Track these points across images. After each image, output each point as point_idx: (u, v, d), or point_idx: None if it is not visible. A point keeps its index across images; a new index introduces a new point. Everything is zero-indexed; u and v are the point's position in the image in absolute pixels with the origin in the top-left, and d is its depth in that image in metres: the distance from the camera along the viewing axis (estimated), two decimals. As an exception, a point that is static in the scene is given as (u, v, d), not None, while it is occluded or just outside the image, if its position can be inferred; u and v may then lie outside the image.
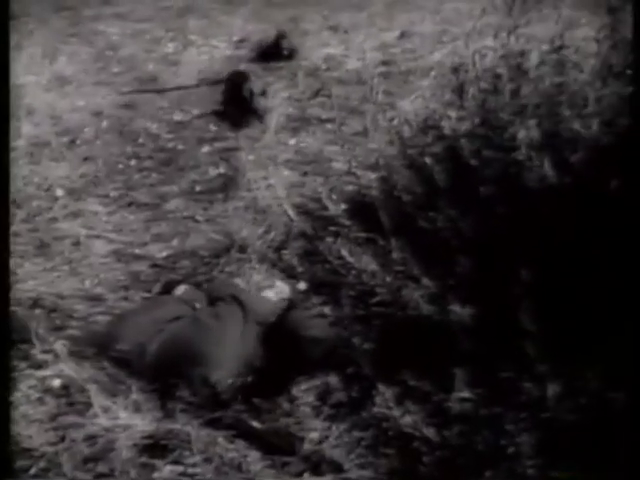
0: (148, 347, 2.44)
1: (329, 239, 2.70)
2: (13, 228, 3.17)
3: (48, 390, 2.42)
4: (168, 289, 2.80)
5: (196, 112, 4.49)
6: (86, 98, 4.71)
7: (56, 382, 2.43)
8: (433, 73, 3.51)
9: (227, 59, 5.28)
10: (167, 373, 2.36)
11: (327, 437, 2.19)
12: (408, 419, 2.10)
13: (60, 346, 2.53)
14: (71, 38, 5.80)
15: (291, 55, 5.09)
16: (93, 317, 2.76)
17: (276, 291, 2.67)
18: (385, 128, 3.05)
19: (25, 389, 2.41)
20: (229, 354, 2.38)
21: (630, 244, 2.01)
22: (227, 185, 3.62)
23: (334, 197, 2.88)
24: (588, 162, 2.27)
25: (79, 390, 2.38)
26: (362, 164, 3.14)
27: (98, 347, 2.52)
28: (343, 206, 2.83)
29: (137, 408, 2.29)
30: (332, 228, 2.75)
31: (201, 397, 2.30)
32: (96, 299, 2.86)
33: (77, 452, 2.19)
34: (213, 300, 2.64)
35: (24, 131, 4.10)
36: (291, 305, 2.63)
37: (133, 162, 3.94)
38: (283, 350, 2.43)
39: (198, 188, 3.66)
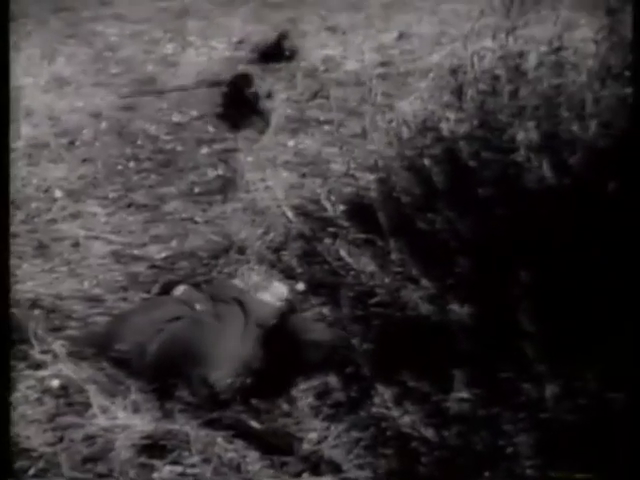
0: (147, 347, 2.44)
1: (328, 240, 2.70)
2: (12, 229, 3.17)
3: (47, 390, 2.41)
4: (167, 290, 2.80)
5: (195, 114, 4.49)
6: (85, 99, 4.71)
7: (55, 382, 2.43)
8: (432, 74, 3.51)
9: (226, 60, 5.29)
10: (166, 373, 2.36)
11: (326, 437, 2.19)
12: (407, 419, 2.11)
13: (59, 346, 2.53)
14: (69, 39, 5.80)
15: (292, 56, 5.09)
16: (92, 318, 2.76)
17: (274, 292, 2.68)
18: (384, 129, 3.05)
19: (24, 389, 2.41)
20: (229, 355, 2.39)
21: (629, 245, 2.01)
22: (226, 186, 3.62)
23: (333, 198, 2.88)
24: (587, 164, 2.27)
25: (78, 390, 2.38)
26: (361, 165, 3.14)
27: (97, 347, 2.52)
28: (342, 207, 2.83)
29: (136, 408, 2.29)
30: (331, 229, 2.75)
31: (200, 397, 2.30)
32: (95, 300, 2.86)
33: (76, 452, 2.19)
34: (214, 301, 2.64)
35: (23, 132, 4.10)
36: (291, 308, 2.63)
37: (132, 163, 3.94)
38: (283, 353, 2.43)
39: (197, 189, 3.66)
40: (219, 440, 2.20)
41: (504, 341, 2.07)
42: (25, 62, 4.94)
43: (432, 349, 2.18)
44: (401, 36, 5.33)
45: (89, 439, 2.23)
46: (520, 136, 2.35)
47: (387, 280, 2.40)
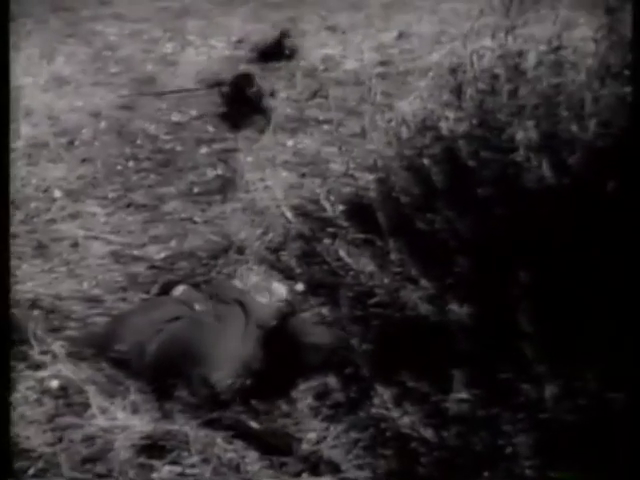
0: (147, 347, 2.44)
1: (327, 240, 2.70)
2: (11, 229, 3.17)
3: (46, 391, 2.42)
4: (166, 290, 2.80)
5: (194, 113, 4.49)
6: (84, 99, 4.71)
7: (54, 383, 2.43)
8: (431, 74, 3.51)
9: (225, 59, 5.28)
10: (166, 373, 2.36)
11: (325, 438, 2.19)
12: (406, 420, 2.10)
13: (58, 347, 2.53)
14: (69, 39, 5.80)
15: (292, 55, 5.09)
16: (91, 318, 2.76)
17: (273, 292, 2.68)
18: (383, 129, 3.05)
19: (23, 390, 2.41)
20: (229, 355, 2.39)
21: (628, 245, 2.01)
22: (225, 186, 3.62)
23: (332, 198, 2.87)
24: (586, 163, 2.27)
25: (77, 391, 2.38)
26: (360, 165, 3.14)
27: (97, 348, 2.52)
28: (341, 207, 2.83)
29: (135, 409, 2.30)
30: (330, 229, 2.75)
31: (200, 397, 2.30)
32: (94, 300, 2.86)
33: (75, 453, 2.19)
34: (214, 301, 2.64)
35: (22, 132, 4.10)
36: (292, 310, 2.63)
37: (131, 163, 3.94)
38: (283, 355, 2.43)
39: (196, 189, 3.66)
40: (218, 440, 2.20)
41: (503, 341, 2.07)
42: (25, 62, 4.94)
43: (431, 349, 2.18)
44: (401, 35, 5.32)
45: (88, 439, 2.23)
46: (519, 135, 2.35)
47: (386, 280, 2.40)
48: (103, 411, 2.29)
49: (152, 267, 3.07)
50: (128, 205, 3.55)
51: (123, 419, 2.27)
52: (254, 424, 2.24)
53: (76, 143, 4.16)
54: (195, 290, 2.77)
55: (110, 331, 2.59)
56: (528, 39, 2.76)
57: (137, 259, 3.12)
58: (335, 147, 3.67)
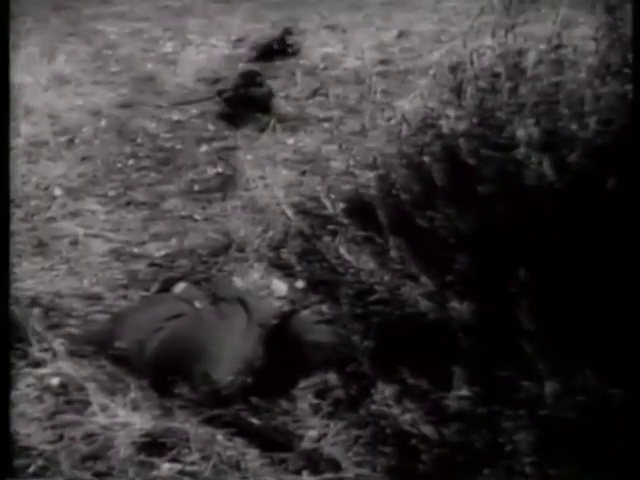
0: (148, 345, 2.44)
1: (327, 238, 2.70)
2: (11, 227, 3.17)
3: (46, 388, 2.42)
4: (167, 287, 2.80)
5: (194, 112, 4.49)
6: (84, 97, 4.71)
7: (54, 380, 2.43)
8: (431, 72, 3.51)
9: (226, 58, 5.29)
10: (167, 370, 2.36)
11: (325, 435, 2.19)
12: (406, 417, 2.11)
13: (58, 345, 2.53)
14: (69, 37, 5.80)
15: (296, 53, 5.08)
16: (91, 316, 2.76)
17: (274, 290, 2.68)
18: (383, 127, 3.05)
19: (24, 387, 2.41)
20: (230, 353, 2.39)
21: (628, 242, 2.01)
22: (225, 184, 3.63)
23: (332, 196, 2.88)
24: (586, 161, 2.27)
25: (77, 388, 2.38)
26: (360, 163, 3.15)
27: (97, 345, 2.52)
28: (341, 205, 2.83)
29: (135, 406, 2.30)
30: (330, 227, 2.75)
31: (200, 394, 2.30)
32: (94, 298, 2.86)
33: (75, 450, 2.18)
34: (216, 299, 2.65)
35: (22, 130, 4.10)
36: (293, 308, 2.63)
37: (131, 161, 3.95)
38: (284, 353, 2.43)
39: (196, 187, 3.66)
40: (219, 438, 2.20)
41: (503, 338, 2.07)
42: (25, 60, 4.94)
43: (432, 346, 2.18)
44: (401, 34, 5.33)
45: (89, 437, 2.23)
46: (520, 133, 2.35)
47: (386, 278, 2.40)
48: (103, 408, 2.29)
49: (152, 265, 3.07)
50: (128, 203, 3.55)
51: (123, 416, 2.27)
52: (255, 421, 2.25)
53: (76, 141, 4.16)
54: (195, 288, 2.77)
55: (110, 328, 2.59)
56: (528, 38, 2.76)
57: (137, 257, 3.12)
58: (335, 145, 3.67)
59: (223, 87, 4.56)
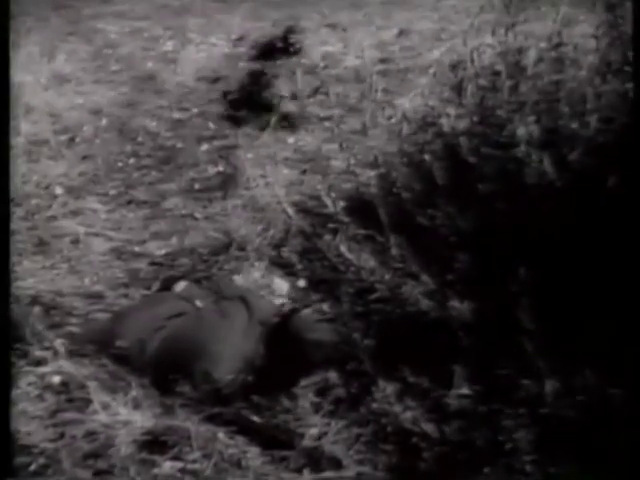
0: (149, 343, 2.45)
1: (328, 236, 2.70)
2: (12, 226, 3.17)
3: (48, 387, 2.42)
4: (167, 286, 2.81)
5: (195, 110, 4.49)
6: (85, 96, 4.71)
7: (55, 379, 2.43)
8: (431, 71, 3.51)
9: (226, 57, 5.28)
10: (168, 369, 2.37)
11: (326, 433, 2.19)
12: (407, 415, 2.11)
13: (59, 343, 2.53)
14: (70, 36, 5.79)
15: (298, 52, 5.07)
16: (92, 314, 2.77)
17: (275, 288, 2.68)
18: (384, 126, 3.05)
19: (24, 386, 2.41)
20: (231, 351, 2.39)
21: (629, 241, 2.01)
22: (226, 183, 3.63)
23: (333, 195, 2.88)
24: (587, 159, 2.28)
25: (78, 387, 2.38)
26: (361, 162, 3.15)
27: (98, 344, 2.52)
28: (342, 203, 2.83)
29: (137, 404, 2.30)
30: (331, 225, 2.75)
31: (202, 392, 2.30)
32: (95, 296, 2.87)
33: (77, 449, 2.19)
34: (216, 297, 2.65)
35: (23, 129, 4.10)
36: (294, 307, 2.63)
37: (132, 160, 3.95)
38: (285, 351, 2.43)
39: (197, 186, 3.66)
40: (220, 436, 2.20)
41: (504, 337, 2.07)
42: (25, 59, 4.93)
43: (432, 345, 2.19)
44: (401, 33, 5.32)
45: (90, 435, 2.23)
46: (520, 132, 2.35)
47: (387, 276, 2.40)
48: (104, 407, 2.30)
49: (153, 263, 3.07)
50: (129, 202, 3.55)
51: (125, 415, 2.27)
52: (256, 419, 2.25)
53: (77, 140, 4.16)
54: (196, 286, 2.77)
55: (111, 327, 2.59)
56: (528, 36, 2.76)
57: (138, 255, 3.13)
58: (336, 144, 3.67)
59: (228, 88, 4.55)
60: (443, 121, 2.71)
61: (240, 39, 5.57)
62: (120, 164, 3.90)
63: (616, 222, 2.07)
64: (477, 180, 2.38)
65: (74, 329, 2.69)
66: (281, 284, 2.72)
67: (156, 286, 2.88)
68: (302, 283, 2.74)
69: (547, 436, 1.97)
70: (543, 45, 2.69)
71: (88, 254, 3.14)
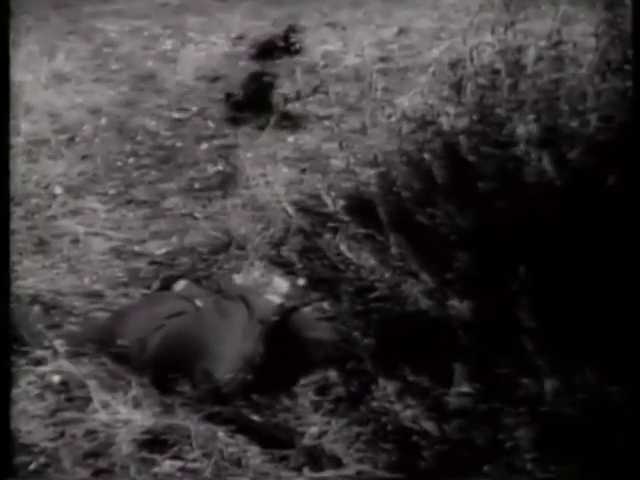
0: (149, 342, 2.45)
1: (328, 235, 2.70)
2: (12, 226, 3.17)
3: (48, 386, 2.42)
4: (167, 285, 2.81)
5: (195, 110, 4.49)
6: (84, 95, 4.71)
7: (55, 378, 2.43)
8: (431, 69, 3.50)
9: (225, 56, 5.28)
10: (168, 368, 2.37)
11: (326, 432, 2.19)
12: (407, 413, 2.11)
13: (59, 343, 2.53)
14: (69, 35, 5.80)
15: (299, 51, 5.07)
16: (92, 313, 2.77)
17: (275, 287, 2.68)
18: (383, 125, 3.05)
19: (25, 385, 2.41)
20: (231, 350, 2.39)
21: (629, 240, 2.01)
22: (226, 182, 3.63)
23: (333, 193, 2.87)
24: (587, 158, 2.27)
25: (78, 386, 2.38)
26: (360, 161, 3.14)
27: (98, 343, 2.52)
28: (342, 202, 2.82)
29: (137, 403, 2.30)
30: (331, 224, 2.75)
31: (202, 391, 2.30)
32: (95, 296, 2.87)
33: (77, 448, 2.19)
34: (216, 297, 2.65)
35: (22, 129, 4.10)
36: (294, 306, 2.63)
37: (132, 160, 3.95)
38: (285, 350, 2.43)
39: (197, 185, 3.66)
40: (220, 435, 2.20)
41: (504, 336, 2.07)
42: (25, 58, 4.93)
43: (432, 343, 2.18)
44: (400, 31, 5.32)
45: (90, 434, 2.23)
46: (520, 130, 2.35)
47: (387, 274, 2.40)
48: (104, 406, 2.30)
49: (153, 263, 3.08)
50: (129, 201, 3.56)
51: (125, 414, 2.27)
52: (256, 418, 2.25)
53: (76, 140, 4.16)
54: (196, 285, 2.78)
55: (111, 326, 2.59)
56: (528, 34, 2.76)
57: (138, 255, 3.13)
58: (335, 143, 3.66)
59: (228, 88, 4.54)
60: (443, 120, 2.70)
61: (240, 38, 5.57)
62: (120, 163, 3.91)
63: (616, 221, 2.07)
64: (477, 179, 2.38)
65: (74, 328, 2.69)
66: (281, 283, 2.72)
67: (156, 285, 2.88)
68: (302, 282, 2.74)
69: (547, 434, 1.97)
70: (543, 43, 2.69)
71: (88, 253, 3.15)
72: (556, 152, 2.29)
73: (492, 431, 2.02)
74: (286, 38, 5.09)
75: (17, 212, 3.37)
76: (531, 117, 2.40)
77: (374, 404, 2.20)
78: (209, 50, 5.46)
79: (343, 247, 2.52)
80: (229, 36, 5.64)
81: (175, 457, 2.15)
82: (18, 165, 3.71)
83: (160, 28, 5.91)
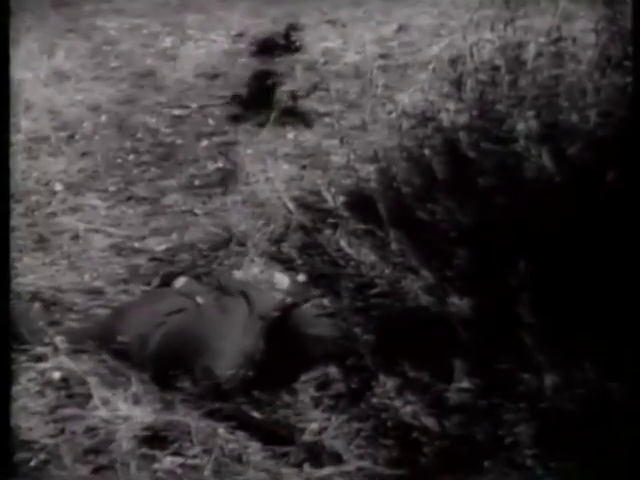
0: (149, 339, 2.45)
1: (328, 231, 2.70)
2: (12, 222, 3.17)
3: (48, 383, 2.42)
4: (167, 282, 2.81)
5: (194, 106, 4.48)
6: (84, 93, 4.71)
7: (56, 375, 2.43)
8: (431, 66, 3.50)
9: (225, 53, 5.28)
10: (168, 364, 2.37)
11: (327, 428, 2.19)
12: (407, 409, 2.11)
13: (60, 340, 2.53)
14: (69, 33, 5.79)
15: (299, 49, 5.06)
16: (92, 310, 2.77)
17: (275, 283, 2.69)
18: (384, 121, 3.05)
19: (25, 382, 2.41)
20: (231, 346, 2.40)
21: (629, 235, 2.01)
22: (226, 179, 3.62)
23: (333, 190, 2.87)
24: (586, 153, 2.27)
25: (79, 382, 2.38)
26: (360, 157, 3.14)
27: (98, 340, 2.53)
28: (342, 198, 2.82)
29: (137, 400, 2.30)
30: (331, 220, 2.75)
31: (202, 387, 2.30)
32: (95, 292, 2.87)
33: (77, 444, 2.19)
34: (216, 293, 2.65)
35: (22, 126, 4.10)
36: (294, 302, 2.63)
37: (132, 157, 3.94)
38: (285, 346, 2.43)
39: (197, 182, 3.66)
40: (220, 431, 2.20)
41: (504, 331, 2.07)
42: (24, 56, 4.93)
43: (432, 339, 2.19)
44: (400, 28, 5.31)
45: (90, 431, 2.24)
46: (520, 126, 2.35)
47: (387, 271, 2.40)
48: (105, 402, 2.30)
49: (153, 259, 3.08)
50: (129, 198, 3.56)
51: (125, 410, 2.27)
52: (256, 415, 2.25)
53: (76, 137, 4.15)
54: (196, 282, 2.78)
55: (112, 323, 2.59)
56: (528, 31, 2.76)
57: (138, 251, 3.13)
58: (336, 139, 3.66)
59: (229, 86, 4.54)
60: (443, 116, 2.70)
61: (240, 35, 5.57)
62: (119, 160, 3.91)
63: (615, 216, 2.07)
64: (477, 175, 2.38)
65: (74, 325, 2.69)
66: (281, 279, 2.72)
67: (156, 282, 2.88)
68: (302, 278, 2.74)
69: (547, 430, 1.97)
70: (542, 40, 2.69)
71: (88, 250, 3.15)
72: (556, 148, 2.29)
73: (492, 427, 2.03)
74: (285, 35, 5.09)
75: (17, 209, 3.37)
76: (531, 113, 2.40)
77: (374, 400, 2.20)
78: (209, 47, 5.45)
79: (343, 243, 2.52)
80: (229, 34, 5.63)
81: (175, 453, 2.16)
82: (18, 162, 3.71)
83: (160, 26, 5.90)
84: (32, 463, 2.15)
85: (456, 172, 2.46)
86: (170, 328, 2.49)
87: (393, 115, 3.01)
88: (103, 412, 2.27)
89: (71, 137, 4.15)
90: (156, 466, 2.12)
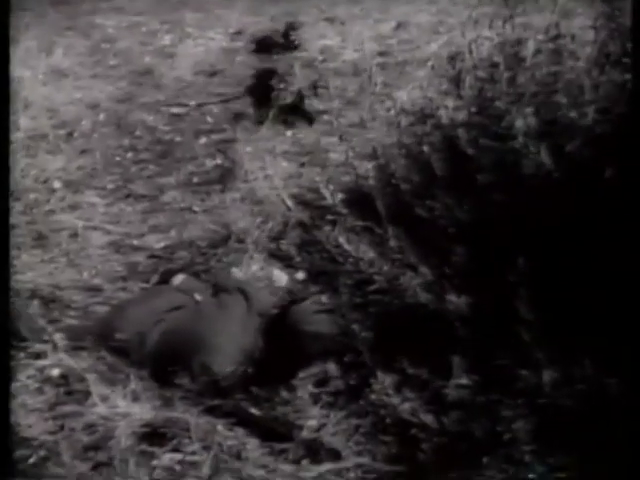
0: (148, 336, 2.45)
1: (327, 228, 2.70)
2: (11, 220, 3.17)
3: (47, 379, 2.42)
4: (166, 279, 2.81)
5: (193, 104, 4.49)
6: (83, 91, 4.71)
7: (55, 371, 2.43)
8: (430, 63, 3.50)
9: (224, 51, 5.28)
10: (167, 361, 2.37)
11: (325, 424, 2.19)
12: (406, 406, 2.11)
13: (59, 337, 2.53)
14: (67, 31, 5.79)
15: (298, 47, 5.06)
16: (91, 307, 2.77)
17: (274, 280, 2.69)
18: (382, 118, 3.05)
19: (24, 379, 2.41)
20: (230, 343, 2.40)
21: (627, 232, 2.01)
22: (224, 176, 3.63)
23: (331, 187, 2.88)
24: (585, 150, 2.27)
25: (78, 379, 2.39)
26: (359, 154, 3.14)
27: (97, 337, 2.53)
28: (340, 195, 2.83)
29: (136, 397, 2.30)
30: (330, 217, 2.75)
31: (201, 384, 2.31)
32: (94, 290, 2.87)
33: (76, 441, 2.19)
34: (215, 290, 2.66)
35: (21, 124, 4.10)
36: (293, 299, 2.63)
37: (130, 154, 3.95)
38: (284, 343, 2.44)
39: (195, 179, 3.66)
40: (219, 428, 2.20)
41: (502, 328, 2.07)
42: (23, 54, 4.93)
43: (431, 336, 2.19)
44: (399, 25, 5.31)
45: (89, 427, 2.24)
46: (518, 123, 2.35)
47: (386, 267, 2.40)
48: (104, 399, 2.30)
49: (152, 256, 3.08)
50: (127, 196, 3.56)
51: (124, 407, 2.27)
52: (255, 411, 2.25)
53: (75, 135, 4.16)
54: (195, 279, 2.78)
55: (110, 320, 2.59)
56: (527, 28, 2.76)
57: (137, 249, 3.13)
58: (334, 137, 3.66)
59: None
60: (441, 113, 2.71)
61: (238, 33, 5.57)
62: (118, 158, 3.91)
63: (614, 213, 2.07)
64: (475, 171, 2.38)
65: (73, 322, 2.69)
66: (280, 276, 2.73)
67: (155, 279, 2.88)
68: (301, 275, 2.74)
69: (545, 426, 1.97)
70: (541, 37, 2.69)
71: (87, 247, 3.15)
72: (554, 145, 2.29)
73: (491, 423, 2.03)
74: (285, 34, 5.09)
75: (16, 207, 3.37)
76: (529, 110, 2.40)
77: (373, 397, 2.20)
78: (207, 45, 5.45)
79: (342, 240, 2.53)
80: (227, 31, 5.63)
81: (174, 450, 2.16)
82: (17, 160, 3.71)
83: (158, 24, 5.90)
84: (31, 460, 2.15)
85: (455, 169, 2.46)
86: (169, 325, 2.49)
87: (392, 112, 3.01)
88: (102, 409, 2.27)
89: (70, 135, 4.15)
90: (155, 463, 2.12)
